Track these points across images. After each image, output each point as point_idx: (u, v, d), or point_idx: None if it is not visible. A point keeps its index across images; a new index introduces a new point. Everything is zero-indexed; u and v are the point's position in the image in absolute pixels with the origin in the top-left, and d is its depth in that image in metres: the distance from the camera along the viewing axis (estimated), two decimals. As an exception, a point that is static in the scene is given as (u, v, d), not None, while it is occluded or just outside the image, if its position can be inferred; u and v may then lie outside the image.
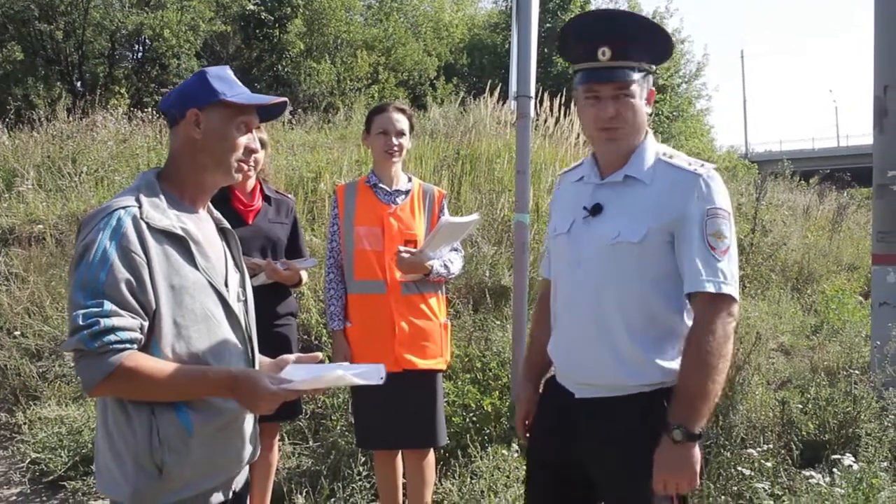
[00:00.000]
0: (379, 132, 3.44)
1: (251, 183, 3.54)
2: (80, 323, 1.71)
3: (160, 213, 1.87)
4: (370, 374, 1.97)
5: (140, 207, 1.83)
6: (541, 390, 2.51)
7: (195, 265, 1.89)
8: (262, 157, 3.57)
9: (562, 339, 2.29)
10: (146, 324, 1.79)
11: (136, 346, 1.76)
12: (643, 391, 2.14)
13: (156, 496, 1.83)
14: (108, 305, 1.72)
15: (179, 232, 1.87)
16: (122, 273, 1.75)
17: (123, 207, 1.82)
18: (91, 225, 1.82)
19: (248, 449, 2.05)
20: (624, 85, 2.11)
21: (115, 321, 1.72)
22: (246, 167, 2.07)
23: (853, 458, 3.68)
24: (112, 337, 1.71)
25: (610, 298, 2.14)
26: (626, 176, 2.18)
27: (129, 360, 1.73)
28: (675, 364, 2.12)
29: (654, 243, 2.11)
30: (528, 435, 2.50)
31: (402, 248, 3.32)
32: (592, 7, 28.34)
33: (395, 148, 3.44)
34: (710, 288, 2.05)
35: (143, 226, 1.81)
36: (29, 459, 4.53)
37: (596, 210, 2.19)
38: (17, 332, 5.70)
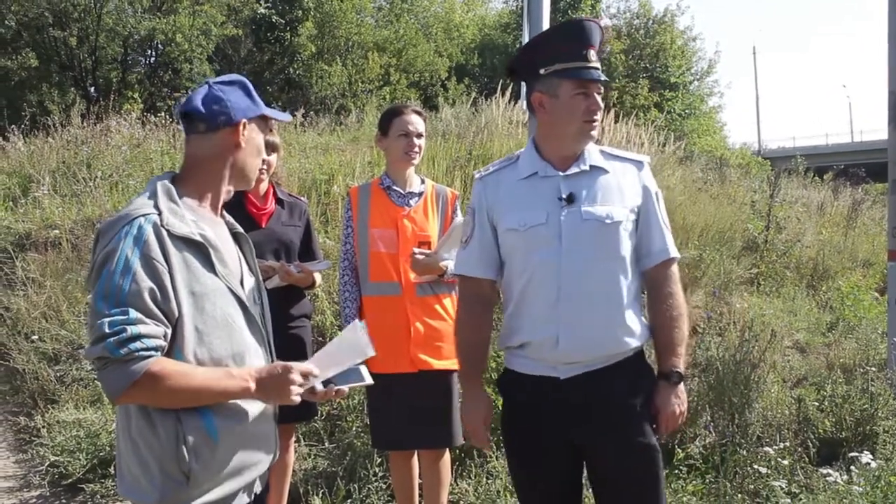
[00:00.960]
0: (400, 134, 3.44)
1: (264, 186, 3.56)
2: (107, 331, 1.71)
3: (179, 219, 1.87)
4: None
5: (160, 214, 1.84)
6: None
7: (214, 271, 1.91)
8: (275, 160, 3.59)
9: (554, 322, 2.33)
10: (170, 331, 1.80)
11: (160, 353, 1.77)
12: (631, 354, 2.40)
13: (182, 502, 1.84)
14: (134, 313, 1.73)
15: (199, 239, 1.88)
16: (146, 281, 1.76)
17: (144, 215, 1.82)
18: (111, 233, 1.82)
19: (270, 451, 2.06)
20: (603, 84, 2.37)
21: (140, 329, 1.73)
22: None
23: (871, 456, 3.67)
24: (138, 344, 1.72)
25: (604, 274, 2.35)
26: (591, 166, 2.40)
27: (155, 366, 1.74)
28: (645, 323, 2.45)
29: (631, 221, 2.39)
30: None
31: (416, 249, 3.33)
32: (603, 6, 28.33)
33: (416, 150, 3.46)
34: (675, 254, 2.46)
35: (164, 233, 1.82)
36: (48, 462, 4.57)
37: (571, 199, 2.34)
38: (34, 337, 5.74)
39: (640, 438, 2.35)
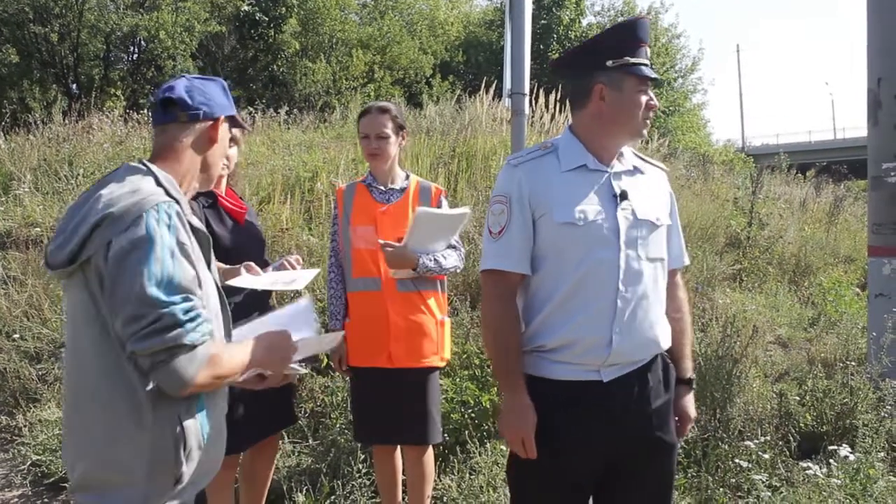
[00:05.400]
0: (362, 136, 3.54)
1: (225, 182, 3.38)
2: (181, 317, 1.68)
3: (188, 210, 1.90)
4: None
5: (179, 204, 1.83)
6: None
7: (209, 263, 1.93)
8: (236, 153, 3.45)
9: (608, 322, 2.27)
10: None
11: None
12: (660, 353, 2.41)
13: (164, 503, 1.83)
14: (195, 299, 1.74)
15: (204, 230, 1.91)
16: (190, 269, 1.77)
17: (166, 202, 1.78)
18: (130, 217, 1.73)
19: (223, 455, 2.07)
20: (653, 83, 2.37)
21: (203, 313, 1.75)
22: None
23: (850, 449, 3.71)
24: (205, 327, 1.74)
25: (653, 275, 2.35)
26: (634, 167, 2.41)
27: (213, 348, 1.76)
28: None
29: (667, 226, 2.43)
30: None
31: (382, 241, 3.31)
32: (587, 3, 28.38)
33: (375, 150, 3.47)
34: (688, 261, 2.58)
35: (185, 222, 1.83)
36: (30, 462, 4.54)
37: (624, 196, 2.31)
38: (16, 336, 5.70)
39: (671, 437, 2.39)
